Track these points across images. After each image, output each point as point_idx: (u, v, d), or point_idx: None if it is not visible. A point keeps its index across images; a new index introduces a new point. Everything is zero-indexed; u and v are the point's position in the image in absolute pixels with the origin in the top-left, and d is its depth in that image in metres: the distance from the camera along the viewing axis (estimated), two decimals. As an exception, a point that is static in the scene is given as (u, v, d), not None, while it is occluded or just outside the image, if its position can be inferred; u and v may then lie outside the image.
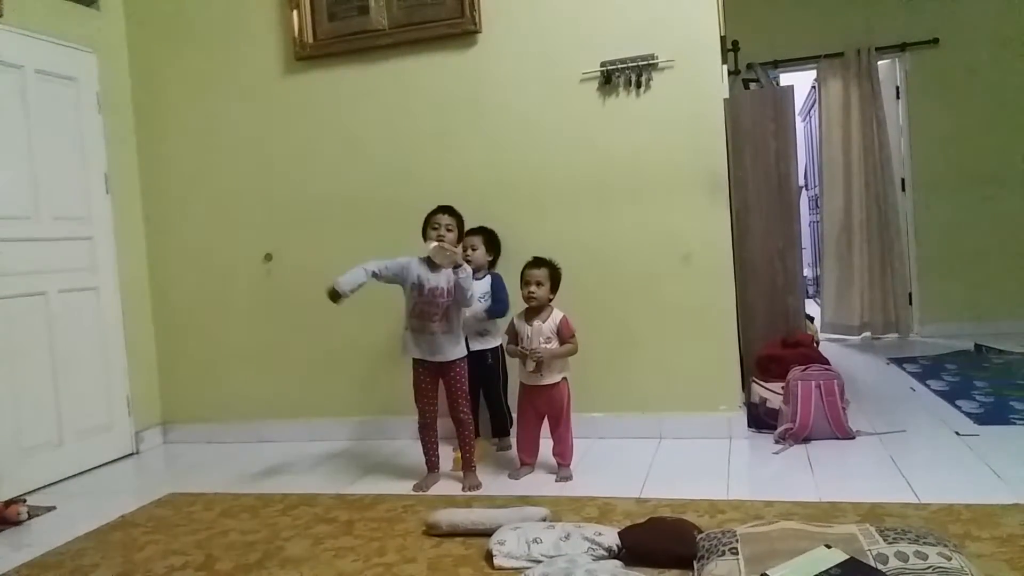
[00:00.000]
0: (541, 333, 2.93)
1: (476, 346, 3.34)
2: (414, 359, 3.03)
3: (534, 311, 2.99)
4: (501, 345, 3.34)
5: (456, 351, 3.01)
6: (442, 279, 2.94)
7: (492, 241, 3.46)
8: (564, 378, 3.03)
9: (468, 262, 3.30)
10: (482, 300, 3.35)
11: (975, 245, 5.52)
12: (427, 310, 2.96)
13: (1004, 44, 5.42)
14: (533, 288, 2.95)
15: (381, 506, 2.82)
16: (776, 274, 3.81)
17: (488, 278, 3.41)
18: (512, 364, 3.31)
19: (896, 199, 5.65)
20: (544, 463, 3.11)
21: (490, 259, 3.45)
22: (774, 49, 5.70)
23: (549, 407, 3.02)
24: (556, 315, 2.99)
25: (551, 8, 3.53)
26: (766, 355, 3.60)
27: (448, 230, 2.99)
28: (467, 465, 3.05)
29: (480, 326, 3.36)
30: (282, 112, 3.92)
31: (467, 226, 3.38)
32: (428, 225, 3.03)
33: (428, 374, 3.03)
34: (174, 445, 4.13)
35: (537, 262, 3.01)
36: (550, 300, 3.02)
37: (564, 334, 2.97)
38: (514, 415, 3.42)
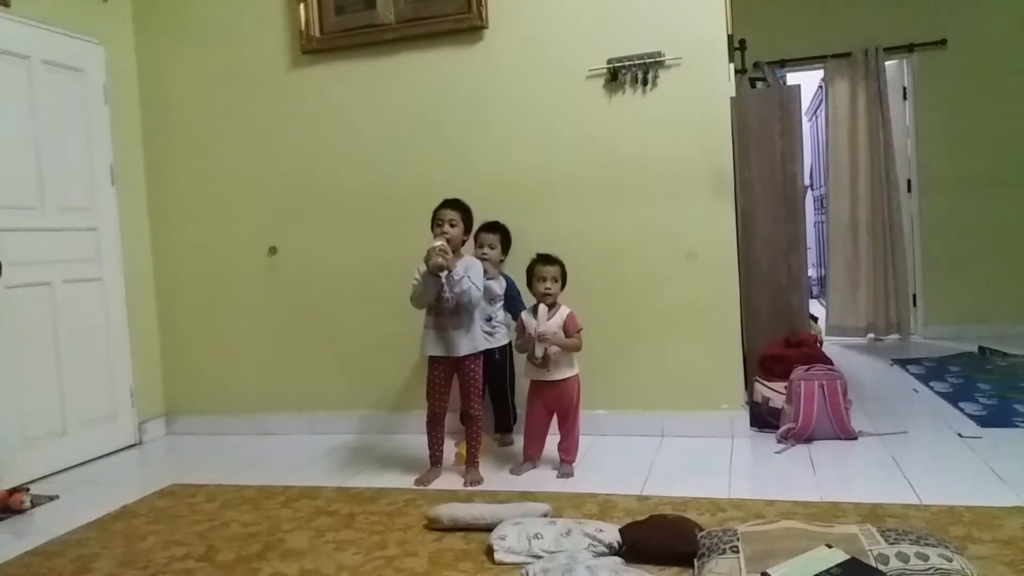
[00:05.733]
0: (548, 328, 2.93)
1: (485, 345, 3.34)
2: (430, 356, 3.03)
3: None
4: (509, 343, 3.33)
5: (471, 345, 3.00)
6: (442, 277, 2.93)
7: (507, 239, 3.45)
8: (575, 374, 3.02)
9: (484, 259, 3.33)
10: (493, 302, 3.36)
11: (980, 247, 5.50)
12: (439, 307, 2.96)
13: (1012, 46, 5.40)
14: (549, 284, 2.97)
15: (382, 500, 2.83)
16: (780, 274, 3.80)
17: (501, 282, 3.40)
18: (519, 362, 3.32)
19: (901, 200, 5.64)
20: (546, 459, 3.12)
21: (502, 258, 3.45)
22: (781, 48, 5.68)
23: (559, 403, 3.02)
24: (563, 311, 3.00)
25: (558, 4, 3.52)
26: (769, 354, 3.59)
27: (452, 225, 2.98)
28: (471, 460, 3.05)
29: (487, 326, 3.36)
30: (288, 106, 3.92)
31: (476, 219, 3.39)
32: (433, 221, 3.03)
33: (443, 370, 3.03)
34: (177, 436, 4.14)
35: (548, 259, 3.01)
36: None
37: (570, 329, 2.98)
38: (519, 412, 3.43)
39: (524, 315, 3.04)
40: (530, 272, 3.03)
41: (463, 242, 3.06)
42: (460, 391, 3.05)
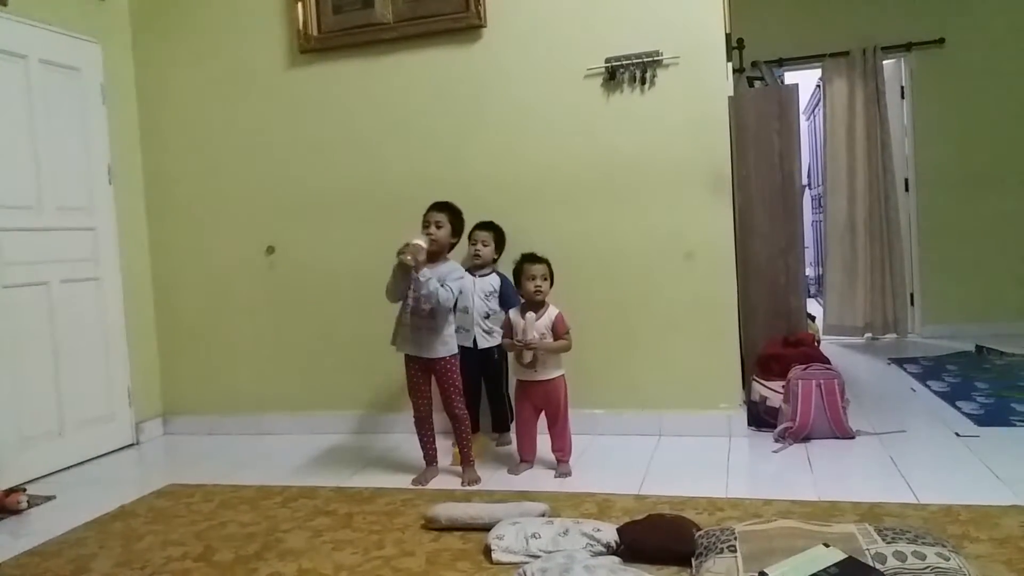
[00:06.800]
0: (536, 328, 2.94)
1: (483, 343, 3.35)
2: (405, 355, 3.03)
3: (530, 306, 3.00)
4: None
5: (443, 349, 2.99)
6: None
7: (501, 239, 3.45)
8: (562, 375, 3.03)
9: (477, 256, 3.35)
10: (489, 298, 3.36)
11: (978, 246, 5.51)
12: (415, 307, 2.96)
13: (1010, 45, 5.40)
14: (539, 283, 2.97)
15: (380, 499, 2.83)
16: (778, 273, 3.81)
17: (496, 278, 3.41)
18: (512, 361, 3.31)
19: (899, 199, 5.64)
20: (544, 459, 3.12)
21: (496, 257, 3.45)
22: (779, 47, 5.68)
23: (546, 403, 3.03)
24: (552, 311, 3.00)
25: (556, 3, 3.52)
26: (767, 354, 3.59)
27: (438, 226, 2.98)
28: (466, 460, 3.05)
29: (486, 324, 3.36)
30: (286, 105, 3.91)
31: (472, 221, 3.39)
32: (423, 222, 3.03)
33: (419, 369, 3.03)
34: (174, 436, 4.13)
35: (535, 258, 3.02)
36: None
37: (559, 330, 2.98)
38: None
39: (512, 315, 3.04)
40: (518, 272, 3.04)
41: (452, 245, 3.06)
42: (440, 392, 3.03)
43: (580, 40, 3.49)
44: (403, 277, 2.94)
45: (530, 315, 2.95)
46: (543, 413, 3.07)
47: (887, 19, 5.58)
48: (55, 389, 3.55)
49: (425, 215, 3.03)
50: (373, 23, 3.71)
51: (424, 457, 3.11)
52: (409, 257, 2.85)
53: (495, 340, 3.35)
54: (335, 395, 3.91)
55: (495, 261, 3.45)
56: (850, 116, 5.67)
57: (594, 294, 3.48)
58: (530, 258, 3.03)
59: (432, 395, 3.06)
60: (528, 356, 2.94)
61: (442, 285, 2.90)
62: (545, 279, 2.99)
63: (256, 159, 3.98)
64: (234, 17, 3.97)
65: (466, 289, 3.27)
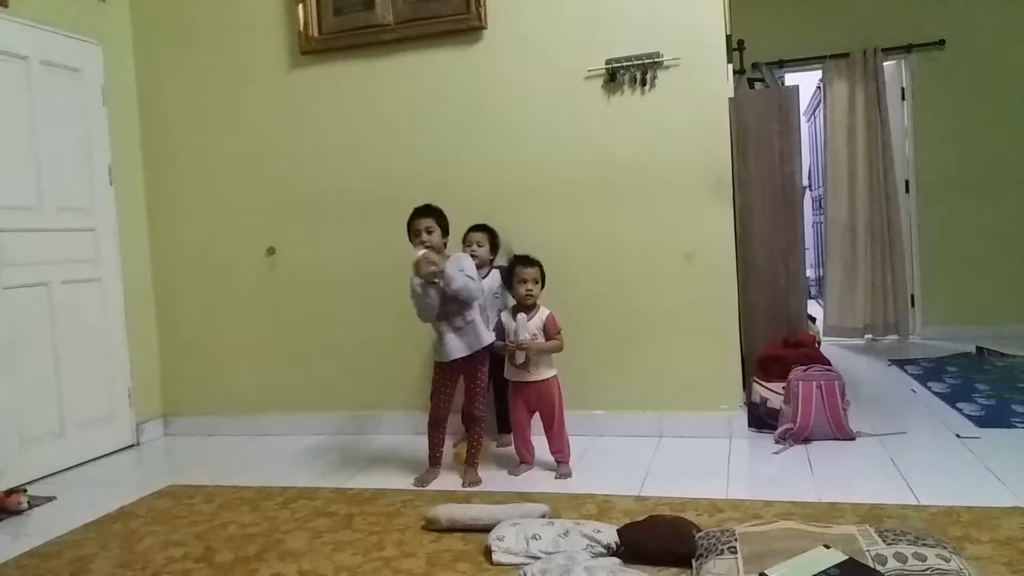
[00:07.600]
0: (528, 329, 2.96)
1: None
2: (445, 361, 3.01)
3: (521, 307, 3.01)
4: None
5: (486, 336, 3.01)
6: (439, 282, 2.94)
7: (495, 240, 3.44)
8: (554, 375, 3.04)
9: (473, 256, 3.33)
10: (496, 296, 3.36)
11: (978, 247, 5.51)
12: (444, 310, 2.96)
13: (1010, 46, 5.40)
14: (531, 286, 2.98)
15: (381, 500, 2.83)
16: (779, 274, 3.81)
17: (496, 274, 3.40)
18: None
19: (899, 200, 5.64)
20: (544, 460, 3.12)
21: (491, 258, 3.45)
22: (780, 49, 5.69)
23: (540, 404, 3.03)
24: (543, 312, 3.01)
25: (556, 5, 3.52)
26: (767, 355, 3.59)
27: (428, 232, 2.96)
28: (471, 461, 3.05)
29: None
30: (286, 106, 3.92)
31: (473, 222, 3.39)
32: (410, 231, 3.01)
33: (451, 372, 3.03)
34: (175, 437, 4.13)
35: (528, 260, 3.03)
36: None
37: (550, 331, 2.99)
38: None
39: (504, 317, 3.05)
40: (509, 274, 3.05)
41: (444, 244, 3.06)
42: (466, 391, 3.06)
43: (580, 42, 3.49)
44: (434, 290, 2.92)
45: (521, 316, 2.97)
46: (536, 415, 3.07)
47: (887, 21, 5.58)
48: (56, 390, 3.55)
49: (412, 223, 2.99)
50: (374, 24, 3.71)
51: (429, 458, 3.11)
52: (432, 268, 2.86)
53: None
54: (336, 396, 3.91)
55: (491, 262, 3.44)
56: (850, 117, 5.67)
57: (595, 295, 3.48)
58: (522, 260, 3.03)
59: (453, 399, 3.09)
60: (520, 357, 2.96)
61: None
62: (536, 282, 3.00)
63: (256, 160, 3.98)
64: (235, 18, 3.98)
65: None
